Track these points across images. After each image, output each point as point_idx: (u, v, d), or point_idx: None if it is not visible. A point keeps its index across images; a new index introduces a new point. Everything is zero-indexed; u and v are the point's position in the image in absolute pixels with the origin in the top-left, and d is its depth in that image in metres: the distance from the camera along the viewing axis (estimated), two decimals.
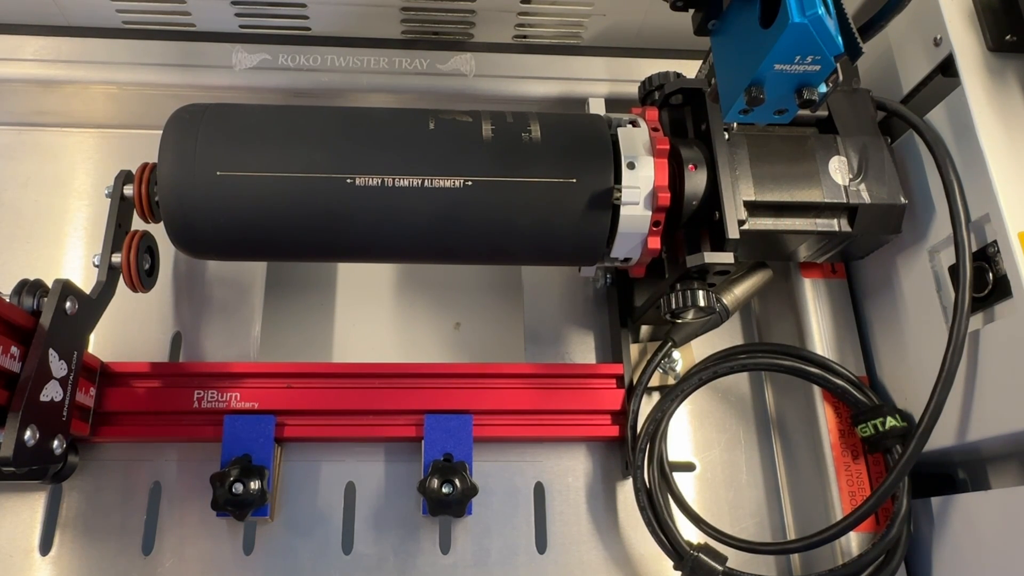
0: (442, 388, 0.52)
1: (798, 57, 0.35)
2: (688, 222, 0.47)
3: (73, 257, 0.57)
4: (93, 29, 0.57)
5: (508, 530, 0.52)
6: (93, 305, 0.46)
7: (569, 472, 0.54)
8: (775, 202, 0.47)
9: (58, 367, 0.42)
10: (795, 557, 0.53)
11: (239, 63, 0.56)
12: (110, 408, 0.49)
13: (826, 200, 0.47)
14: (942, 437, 0.46)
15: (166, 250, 0.50)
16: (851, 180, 0.48)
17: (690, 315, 0.47)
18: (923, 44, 0.48)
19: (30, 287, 0.43)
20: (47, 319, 0.41)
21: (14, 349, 0.40)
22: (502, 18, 0.58)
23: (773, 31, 0.34)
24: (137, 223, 0.48)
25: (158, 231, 0.47)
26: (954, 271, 0.46)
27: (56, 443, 0.41)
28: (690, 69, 0.52)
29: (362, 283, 0.60)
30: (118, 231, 0.47)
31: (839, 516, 0.49)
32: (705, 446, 0.56)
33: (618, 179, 0.45)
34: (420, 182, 0.44)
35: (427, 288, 0.60)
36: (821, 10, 0.33)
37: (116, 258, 0.47)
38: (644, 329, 0.57)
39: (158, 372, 0.51)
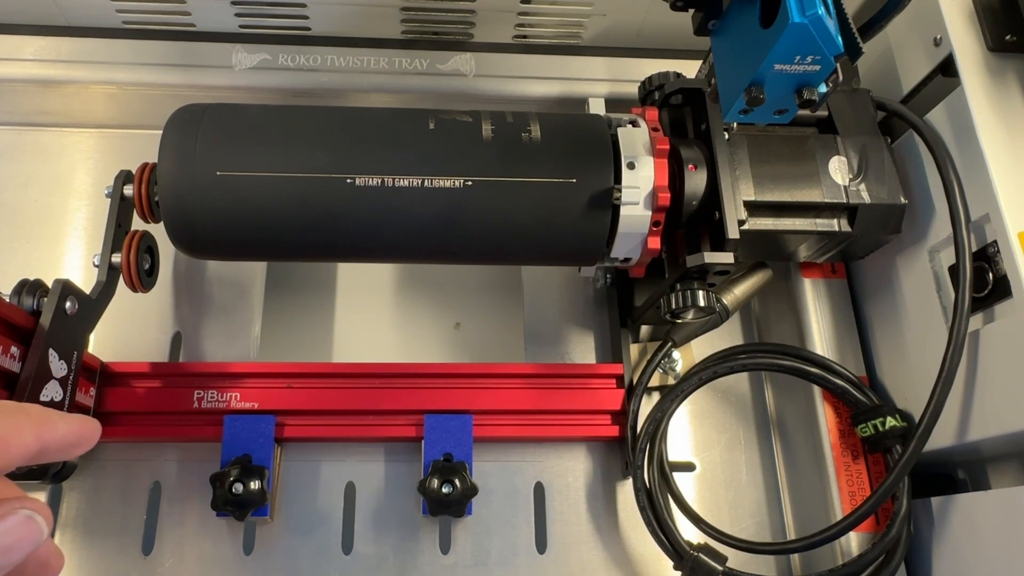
0: (442, 388, 0.52)
1: (798, 57, 0.35)
2: (688, 222, 0.47)
3: (73, 257, 0.57)
4: (93, 29, 0.57)
5: (508, 530, 0.52)
6: (93, 305, 0.46)
7: (569, 472, 0.54)
8: (775, 202, 0.47)
9: (58, 367, 0.42)
10: (795, 557, 0.53)
11: (239, 63, 0.56)
12: (110, 408, 0.49)
13: (826, 200, 0.47)
14: (942, 437, 0.46)
15: (166, 250, 0.50)
16: (851, 180, 0.48)
17: (690, 315, 0.47)
18: (923, 44, 0.48)
19: (30, 287, 0.43)
20: (47, 319, 0.41)
21: (14, 349, 0.40)
22: (502, 18, 0.58)
23: (773, 31, 0.34)
24: (137, 223, 0.48)
25: (158, 231, 0.47)
26: (954, 271, 0.46)
27: None
28: (690, 69, 0.52)
29: (362, 283, 0.60)
30: (118, 231, 0.47)
31: (839, 516, 0.49)
32: (705, 446, 0.56)
33: (618, 179, 0.45)
34: (420, 182, 0.44)
35: (427, 288, 0.61)
36: (821, 10, 0.33)
37: (116, 258, 0.47)
38: (644, 329, 0.57)
39: (158, 372, 0.51)
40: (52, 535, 0.49)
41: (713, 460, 0.56)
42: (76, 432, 0.29)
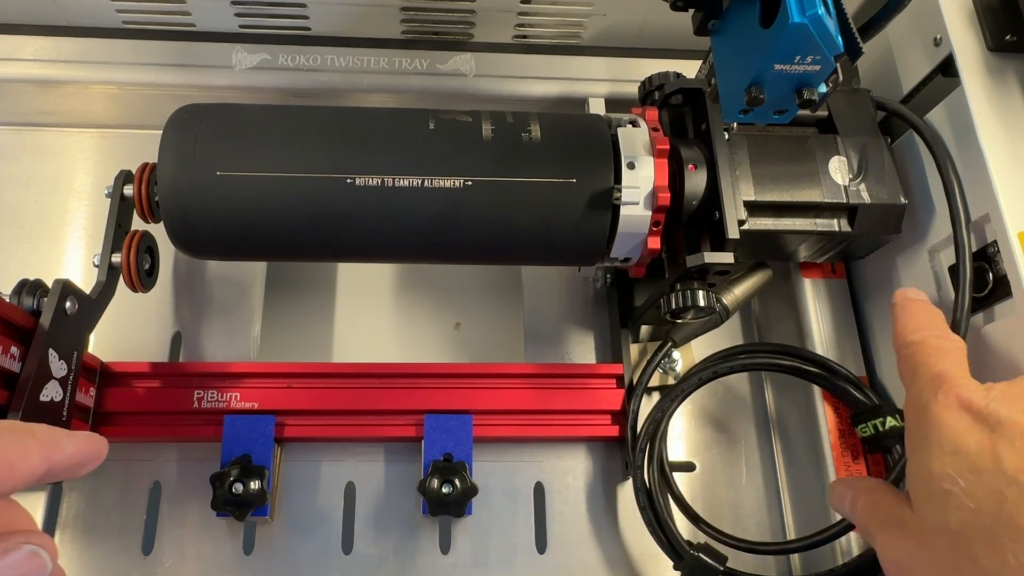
0: (442, 388, 0.52)
1: (798, 57, 0.35)
2: (688, 222, 0.47)
3: (73, 257, 0.57)
4: (93, 29, 0.57)
5: (508, 530, 0.52)
6: (93, 305, 0.46)
7: (569, 472, 0.54)
8: (775, 202, 0.47)
9: (58, 367, 0.42)
10: (795, 557, 0.53)
11: (239, 63, 0.56)
12: (110, 408, 0.49)
13: (826, 200, 0.47)
14: None
15: (166, 250, 0.50)
16: (851, 180, 0.48)
17: (690, 315, 0.47)
18: (923, 44, 0.48)
19: (30, 287, 0.43)
20: (47, 319, 0.41)
21: (14, 349, 0.40)
22: (502, 18, 0.58)
23: (773, 31, 0.34)
24: (137, 223, 0.48)
25: (158, 231, 0.47)
26: (954, 271, 0.46)
27: None
28: (690, 69, 0.52)
29: (362, 283, 0.60)
30: (118, 231, 0.47)
31: (839, 516, 0.49)
32: (705, 446, 0.56)
33: (618, 179, 0.45)
34: (420, 182, 0.44)
35: (427, 288, 0.61)
36: (821, 10, 0.33)
37: (116, 258, 0.47)
38: (644, 329, 0.57)
39: (158, 372, 0.51)
40: (52, 535, 0.49)
41: (713, 460, 0.56)
42: (82, 452, 0.29)
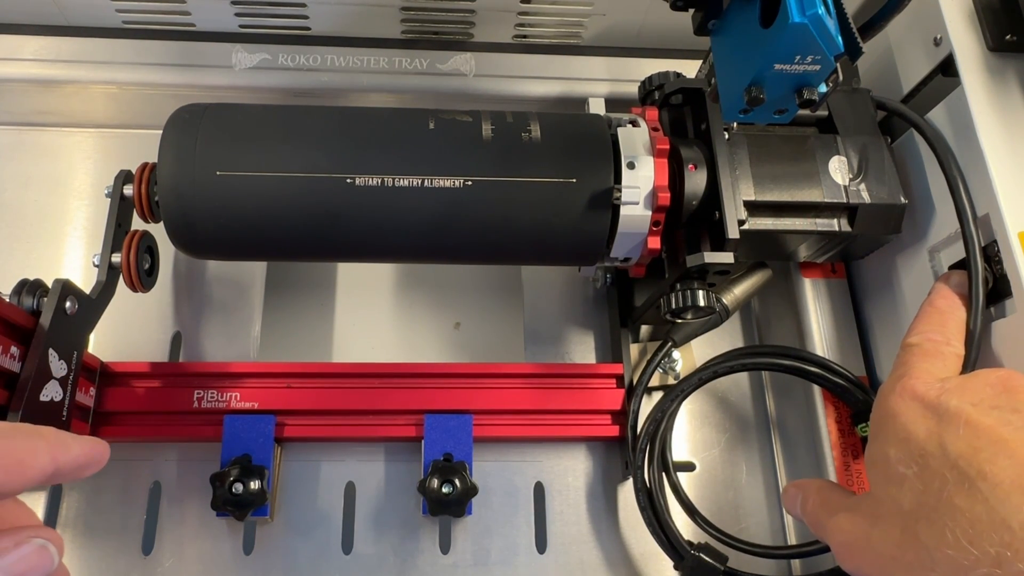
0: (442, 388, 0.52)
1: (798, 57, 0.35)
2: (688, 222, 0.47)
3: (73, 257, 0.57)
4: (93, 29, 0.57)
5: (508, 530, 0.52)
6: (93, 305, 0.46)
7: (569, 472, 0.54)
8: (775, 202, 0.47)
9: (58, 367, 0.42)
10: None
11: (239, 63, 0.56)
12: (110, 408, 0.49)
13: (826, 200, 0.47)
14: None
15: (166, 250, 0.50)
16: (851, 180, 0.48)
17: (690, 315, 0.47)
18: (923, 44, 0.48)
19: (30, 287, 0.43)
20: (47, 319, 0.41)
21: (14, 349, 0.40)
22: (502, 18, 0.58)
23: (773, 31, 0.34)
24: (137, 223, 0.48)
25: (158, 231, 0.47)
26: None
27: None
28: (690, 69, 0.52)
29: (362, 283, 0.60)
30: (118, 231, 0.47)
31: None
32: (705, 446, 0.56)
33: (618, 179, 0.45)
34: (420, 182, 0.44)
35: (427, 288, 0.61)
36: (821, 10, 0.33)
37: (116, 258, 0.47)
38: (644, 329, 0.57)
39: (158, 372, 0.51)
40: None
41: (713, 460, 0.56)
42: (87, 455, 0.30)
